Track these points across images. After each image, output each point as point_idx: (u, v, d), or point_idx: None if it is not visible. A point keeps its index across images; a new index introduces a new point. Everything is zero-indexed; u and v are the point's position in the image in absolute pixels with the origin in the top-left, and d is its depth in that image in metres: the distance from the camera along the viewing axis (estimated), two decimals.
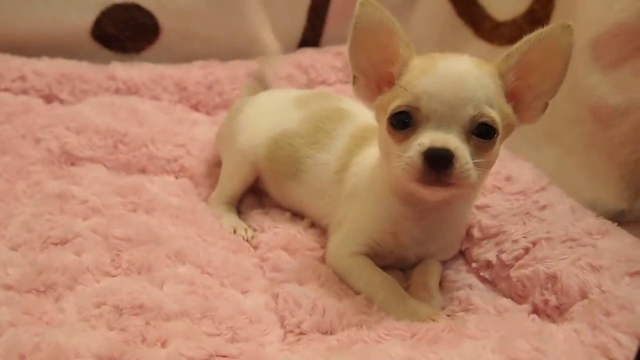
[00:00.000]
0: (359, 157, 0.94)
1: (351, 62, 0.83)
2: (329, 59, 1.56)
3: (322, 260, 0.92)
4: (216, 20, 1.54)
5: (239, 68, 1.47)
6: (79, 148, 1.14)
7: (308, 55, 1.57)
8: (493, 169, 0.99)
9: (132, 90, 1.38)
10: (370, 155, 0.92)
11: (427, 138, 0.74)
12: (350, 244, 0.89)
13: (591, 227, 0.89)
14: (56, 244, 0.87)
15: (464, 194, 0.82)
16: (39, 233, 0.88)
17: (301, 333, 0.77)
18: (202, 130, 1.25)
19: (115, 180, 1.06)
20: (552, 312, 0.80)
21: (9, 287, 0.78)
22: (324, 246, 0.94)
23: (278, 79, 1.38)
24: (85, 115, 1.20)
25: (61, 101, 1.34)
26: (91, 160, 1.13)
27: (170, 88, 1.41)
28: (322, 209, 0.97)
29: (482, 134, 0.75)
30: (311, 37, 1.65)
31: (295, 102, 1.07)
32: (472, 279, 0.91)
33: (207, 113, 1.40)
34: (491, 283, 0.91)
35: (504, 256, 0.89)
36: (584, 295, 0.78)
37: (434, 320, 0.78)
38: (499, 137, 0.77)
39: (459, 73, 0.76)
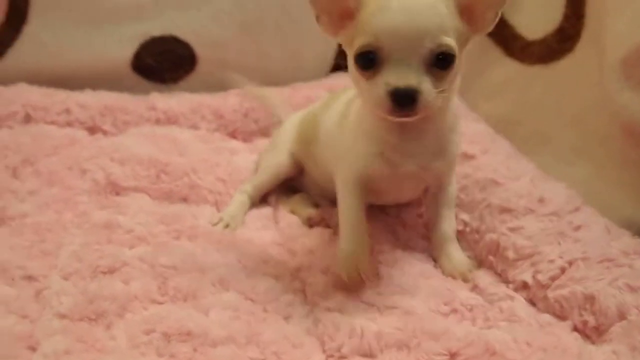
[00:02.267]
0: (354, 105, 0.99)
1: (310, 0, 0.87)
2: None
3: None
4: (250, 48, 1.58)
5: (274, 95, 1.50)
6: (123, 178, 1.17)
7: (341, 79, 1.58)
8: (524, 191, 1.04)
9: (171, 119, 1.42)
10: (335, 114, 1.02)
11: (391, 76, 0.79)
12: (347, 174, 0.97)
13: (627, 247, 0.90)
14: (105, 273, 0.90)
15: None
16: (89, 262, 0.92)
17: (342, 357, 0.78)
18: (241, 159, 1.29)
19: (159, 209, 1.10)
20: (591, 333, 0.81)
21: (63, 316, 0.81)
22: None
23: (309, 104, 1.41)
24: (128, 146, 1.24)
25: (104, 132, 1.39)
26: (135, 189, 1.16)
27: (208, 116, 1.44)
28: (332, 159, 1.03)
29: (442, 62, 0.80)
30: (343, 61, 1.67)
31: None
32: (513, 293, 0.91)
33: (244, 140, 1.43)
34: (529, 303, 0.90)
35: (540, 276, 0.90)
36: (622, 316, 0.78)
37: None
38: (457, 59, 0.82)
39: (412, 6, 0.79)
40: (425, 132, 0.92)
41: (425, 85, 0.79)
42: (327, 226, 1.09)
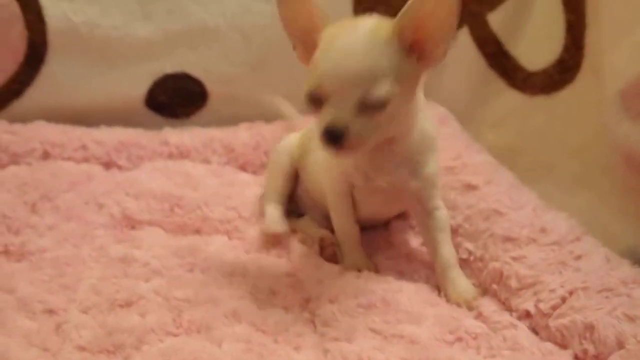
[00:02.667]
0: None
1: (285, 30, 0.95)
2: None
3: (368, 310, 0.95)
4: (259, 84, 1.62)
5: (282, 128, 1.54)
6: (138, 212, 1.21)
7: None
8: (527, 221, 1.06)
9: (184, 154, 1.46)
10: None
11: (325, 117, 0.86)
12: (333, 183, 1.07)
13: (627, 277, 0.91)
14: (122, 306, 0.93)
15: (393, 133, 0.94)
16: (107, 296, 0.95)
17: None
18: (251, 192, 1.32)
19: (172, 242, 1.13)
20: None
21: (82, 349, 0.84)
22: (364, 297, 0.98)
23: None
24: (142, 181, 1.28)
25: (119, 167, 1.43)
26: (150, 223, 1.20)
27: (219, 150, 1.48)
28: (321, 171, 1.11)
29: (373, 106, 0.85)
30: None
31: None
32: (517, 321, 0.93)
33: (254, 172, 1.47)
34: (532, 332, 0.92)
35: (541, 305, 0.91)
36: (620, 345, 0.80)
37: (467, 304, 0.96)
38: (395, 99, 0.86)
39: (348, 53, 0.85)
40: (391, 153, 0.97)
41: (354, 125, 0.85)
42: (335, 253, 1.11)
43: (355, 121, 0.85)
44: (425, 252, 1.11)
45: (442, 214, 1.05)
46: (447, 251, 1.03)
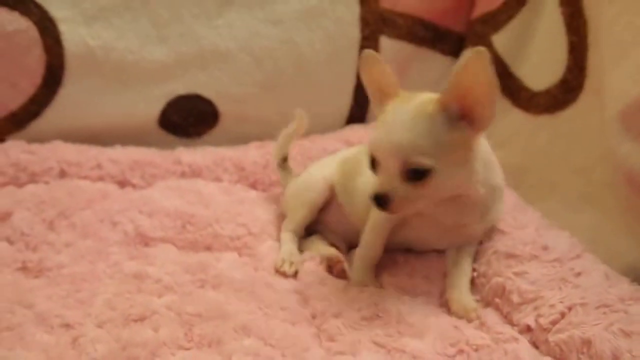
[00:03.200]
0: None
1: (366, 88, 1.05)
2: None
3: (371, 322, 0.99)
4: (269, 104, 1.66)
5: (292, 147, 1.57)
6: (151, 230, 1.24)
7: (355, 131, 1.67)
8: (529, 239, 1.09)
9: (196, 172, 1.50)
10: None
11: (377, 181, 0.97)
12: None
13: (624, 293, 0.93)
14: (136, 321, 0.96)
15: (454, 190, 1.01)
16: (121, 311, 0.98)
17: None
18: (261, 209, 1.36)
19: (184, 259, 1.16)
20: None
21: None
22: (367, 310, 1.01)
23: (326, 155, 1.47)
24: (155, 200, 1.32)
25: (133, 186, 1.47)
26: (162, 240, 1.23)
27: (230, 169, 1.52)
28: None
29: (415, 176, 0.93)
30: (357, 114, 1.75)
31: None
32: (518, 335, 0.96)
33: (264, 190, 1.50)
34: (533, 346, 0.94)
35: (541, 320, 0.94)
36: (616, 359, 0.82)
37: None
38: (440, 169, 0.93)
39: (394, 127, 0.94)
40: (457, 204, 1.03)
41: (399, 192, 0.95)
42: (344, 270, 1.14)
43: (400, 188, 0.94)
44: (426, 268, 1.14)
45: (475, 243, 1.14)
46: (467, 265, 1.11)
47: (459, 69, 0.89)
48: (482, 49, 0.87)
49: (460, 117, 0.93)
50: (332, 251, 1.19)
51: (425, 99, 0.95)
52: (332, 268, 1.15)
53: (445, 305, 1.06)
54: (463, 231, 1.10)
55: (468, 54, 0.88)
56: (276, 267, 1.16)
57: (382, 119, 0.97)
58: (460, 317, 1.01)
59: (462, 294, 1.06)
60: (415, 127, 0.92)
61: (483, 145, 1.02)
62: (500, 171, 1.09)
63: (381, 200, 0.95)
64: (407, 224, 1.12)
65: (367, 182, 1.15)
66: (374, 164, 0.98)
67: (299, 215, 1.26)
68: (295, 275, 1.16)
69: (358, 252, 1.14)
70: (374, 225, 1.12)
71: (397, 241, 1.16)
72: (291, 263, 1.17)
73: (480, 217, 1.08)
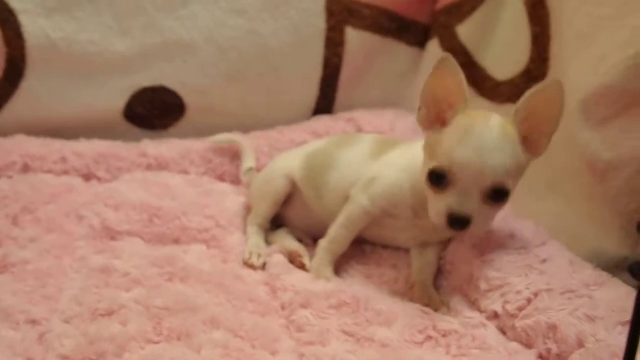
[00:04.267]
0: (390, 154, 1.15)
1: (421, 93, 1.00)
2: (341, 125, 1.65)
3: (339, 310, 0.99)
4: (235, 96, 1.65)
5: (260, 139, 1.57)
6: (118, 223, 1.23)
7: (322, 122, 1.66)
8: (495, 227, 1.11)
9: (162, 165, 1.49)
10: (397, 157, 1.14)
11: (454, 201, 0.93)
12: (369, 199, 1.11)
13: (588, 279, 0.96)
14: (104, 316, 0.95)
15: None
16: (88, 306, 0.97)
17: None
18: (229, 201, 1.35)
19: (152, 252, 1.15)
20: None
21: (65, 357, 0.86)
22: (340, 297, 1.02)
23: (294, 147, 1.47)
24: (122, 193, 1.30)
25: (99, 179, 1.44)
26: (129, 234, 1.22)
27: (197, 161, 1.51)
28: (351, 182, 1.15)
29: (497, 197, 0.94)
30: (324, 105, 1.74)
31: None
32: (486, 321, 0.98)
33: (232, 182, 1.49)
34: (500, 332, 0.97)
35: (508, 307, 0.96)
36: (581, 344, 0.84)
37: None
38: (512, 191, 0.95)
39: (485, 148, 0.92)
40: None
41: (479, 215, 0.93)
42: (303, 265, 1.15)
43: (479, 210, 0.93)
44: (394, 257, 1.17)
45: None
46: (433, 256, 1.13)
47: (535, 92, 0.92)
48: (560, 82, 0.90)
49: (522, 142, 0.95)
50: (295, 245, 1.20)
51: (502, 122, 0.95)
52: (292, 263, 1.16)
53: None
54: (437, 234, 1.11)
55: (545, 83, 0.93)
56: (244, 259, 1.16)
57: (463, 138, 0.93)
58: (425, 304, 1.02)
59: (426, 287, 1.07)
60: (505, 148, 0.93)
61: None
62: None
63: (460, 221, 0.93)
64: (381, 223, 1.13)
65: (342, 177, 1.17)
66: (441, 180, 0.95)
67: (262, 208, 1.26)
68: (263, 267, 1.16)
69: (323, 244, 1.14)
70: (347, 223, 1.12)
71: (366, 237, 1.18)
72: (259, 255, 1.17)
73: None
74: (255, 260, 1.15)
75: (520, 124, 0.94)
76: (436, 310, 1.01)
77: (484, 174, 0.91)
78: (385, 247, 1.20)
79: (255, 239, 1.22)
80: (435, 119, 0.99)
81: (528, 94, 0.93)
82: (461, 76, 0.96)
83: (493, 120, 0.95)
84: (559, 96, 0.91)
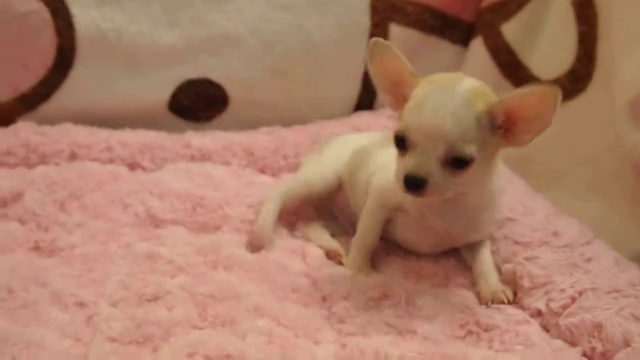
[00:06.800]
0: None
1: (375, 82, 1.01)
2: (382, 120, 1.65)
3: (379, 303, 1.00)
4: (278, 89, 1.67)
5: (300, 132, 1.59)
6: (162, 212, 1.24)
7: (364, 118, 1.67)
8: (539, 225, 1.11)
9: (205, 156, 1.50)
10: None
11: (410, 162, 0.92)
12: (378, 197, 1.12)
13: (634, 279, 0.95)
14: (150, 300, 0.97)
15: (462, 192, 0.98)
16: (135, 291, 0.99)
17: None
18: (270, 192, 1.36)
19: (195, 240, 1.16)
20: (598, 358, 0.85)
21: (113, 339, 0.88)
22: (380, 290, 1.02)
23: None
24: (166, 182, 1.32)
25: (143, 168, 1.46)
26: (173, 222, 1.23)
27: (239, 153, 1.52)
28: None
29: (457, 163, 0.91)
30: (366, 101, 1.76)
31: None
32: (529, 318, 0.97)
33: (273, 175, 1.50)
34: (543, 330, 0.95)
35: (552, 304, 0.95)
36: (627, 343, 0.83)
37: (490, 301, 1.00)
38: (477, 163, 0.92)
39: (442, 112, 0.89)
40: (454, 207, 1.02)
41: (435, 177, 0.91)
42: (341, 263, 1.14)
43: (436, 173, 0.91)
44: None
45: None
46: (485, 255, 1.10)
47: (527, 92, 0.89)
48: (558, 87, 0.87)
49: (499, 127, 0.93)
50: (333, 244, 1.20)
51: (470, 92, 0.92)
52: (332, 259, 1.16)
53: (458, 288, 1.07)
54: (450, 240, 1.10)
55: (543, 86, 0.89)
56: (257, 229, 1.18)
57: (421, 102, 0.92)
58: (492, 302, 1.01)
59: (488, 281, 1.05)
60: (466, 116, 0.90)
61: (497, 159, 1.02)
62: (500, 179, 1.07)
63: (415, 182, 0.92)
64: (396, 220, 1.12)
65: (367, 173, 1.17)
66: (403, 144, 0.94)
67: (297, 185, 1.27)
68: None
69: (354, 240, 1.14)
70: (369, 212, 1.12)
71: (391, 239, 1.16)
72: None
73: (470, 225, 1.07)
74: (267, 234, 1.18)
75: (500, 114, 0.91)
76: (499, 302, 1.01)
77: (437, 136, 0.89)
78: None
79: (271, 210, 1.21)
80: (402, 99, 0.97)
81: (522, 90, 0.90)
82: (396, 51, 0.96)
83: (460, 87, 0.92)
84: (554, 99, 0.87)
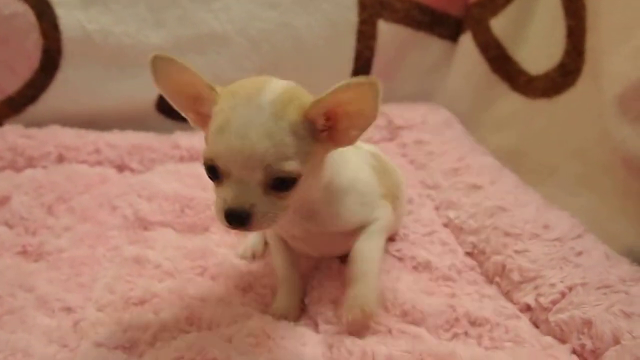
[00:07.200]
0: None
1: (171, 103, 0.87)
2: None
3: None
4: None
5: None
6: (150, 214, 1.24)
7: None
8: (530, 217, 1.10)
9: (194, 157, 1.50)
10: None
11: (228, 194, 0.79)
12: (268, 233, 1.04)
13: (625, 274, 0.95)
14: (136, 304, 0.97)
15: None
16: (121, 294, 0.99)
17: None
18: None
19: (184, 243, 1.15)
20: (588, 356, 0.85)
21: (100, 344, 0.88)
22: None
23: None
24: (154, 184, 1.32)
25: (132, 170, 1.46)
26: (162, 224, 1.23)
27: None
28: None
29: (281, 185, 0.79)
30: None
31: None
32: (519, 313, 0.96)
33: None
34: (533, 325, 0.95)
35: (542, 299, 0.94)
36: (616, 340, 0.83)
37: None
38: (304, 176, 0.81)
39: (251, 132, 0.77)
40: (300, 215, 0.92)
41: (260, 207, 0.79)
42: None
43: (260, 202, 0.79)
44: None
45: (376, 225, 0.98)
46: (364, 251, 0.95)
47: (345, 91, 0.77)
48: (375, 79, 0.76)
49: (321, 130, 0.81)
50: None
51: (278, 100, 0.79)
52: None
53: None
54: (329, 238, 0.99)
55: (359, 81, 0.76)
56: (237, 254, 1.14)
57: (224, 124, 0.79)
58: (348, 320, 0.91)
59: (354, 290, 0.91)
60: (278, 130, 0.78)
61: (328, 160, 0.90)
62: (349, 170, 0.95)
63: (239, 217, 0.79)
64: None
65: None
66: (215, 173, 0.81)
67: None
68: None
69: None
70: (272, 247, 1.04)
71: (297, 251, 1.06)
72: (253, 254, 1.14)
73: (327, 220, 0.94)
74: (248, 255, 1.14)
75: (318, 114, 0.79)
76: (366, 320, 0.91)
77: (250, 161, 0.77)
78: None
79: (256, 235, 1.16)
80: (205, 116, 0.84)
81: (337, 87, 0.77)
82: (184, 64, 0.82)
83: (265, 96, 0.79)
84: (373, 92, 0.76)
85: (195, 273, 1.08)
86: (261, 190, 0.79)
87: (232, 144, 0.77)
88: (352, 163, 0.96)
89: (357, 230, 0.97)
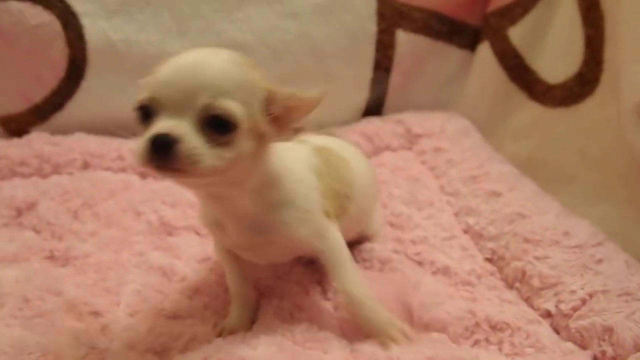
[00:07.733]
0: None
1: None
2: (390, 126, 1.67)
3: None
4: None
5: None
6: (175, 219, 1.26)
7: (372, 123, 1.68)
8: (550, 224, 1.10)
9: None
10: None
11: (156, 126, 0.74)
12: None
13: None
14: (169, 318, 0.99)
15: (227, 183, 0.82)
16: (153, 305, 1.01)
17: None
18: None
19: (208, 251, 1.15)
20: None
21: (131, 347, 0.90)
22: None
23: None
24: (177, 190, 1.33)
25: (154, 177, 1.46)
26: (186, 229, 1.25)
27: None
28: None
29: (218, 126, 0.74)
30: (374, 106, 1.77)
31: None
32: (540, 318, 0.97)
33: None
34: (553, 331, 0.96)
35: (562, 306, 0.95)
36: (637, 347, 0.84)
37: None
38: (244, 134, 0.77)
39: (201, 61, 0.76)
40: (232, 217, 0.89)
41: (189, 138, 0.73)
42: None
43: (191, 134, 0.73)
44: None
45: (332, 253, 0.94)
46: (348, 283, 0.92)
47: (299, 96, 0.80)
48: (323, 94, 0.80)
49: (271, 113, 0.80)
50: None
51: (243, 59, 0.81)
52: None
53: None
54: (272, 247, 0.94)
55: (316, 95, 0.80)
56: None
57: (172, 61, 0.77)
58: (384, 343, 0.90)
59: (370, 323, 0.92)
60: (233, 70, 0.77)
61: (281, 159, 0.89)
62: (289, 181, 0.90)
63: (163, 143, 0.72)
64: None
65: None
66: (149, 114, 0.77)
67: None
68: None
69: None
70: (221, 259, 1.02)
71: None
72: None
73: (270, 230, 0.89)
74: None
75: (273, 104, 0.80)
76: (395, 340, 0.90)
77: (194, 87, 0.73)
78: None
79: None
80: None
81: (292, 94, 0.80)
82: None
83: (224, 53, 0.80)
84: (316, 103, 0.80)
85: (222, 289, 1.06)
86: (197, 126, 0.74)
87: (177, 70, 0.75)
88: (295, 174, 0.92)
89: (305, 248, 0.94)
